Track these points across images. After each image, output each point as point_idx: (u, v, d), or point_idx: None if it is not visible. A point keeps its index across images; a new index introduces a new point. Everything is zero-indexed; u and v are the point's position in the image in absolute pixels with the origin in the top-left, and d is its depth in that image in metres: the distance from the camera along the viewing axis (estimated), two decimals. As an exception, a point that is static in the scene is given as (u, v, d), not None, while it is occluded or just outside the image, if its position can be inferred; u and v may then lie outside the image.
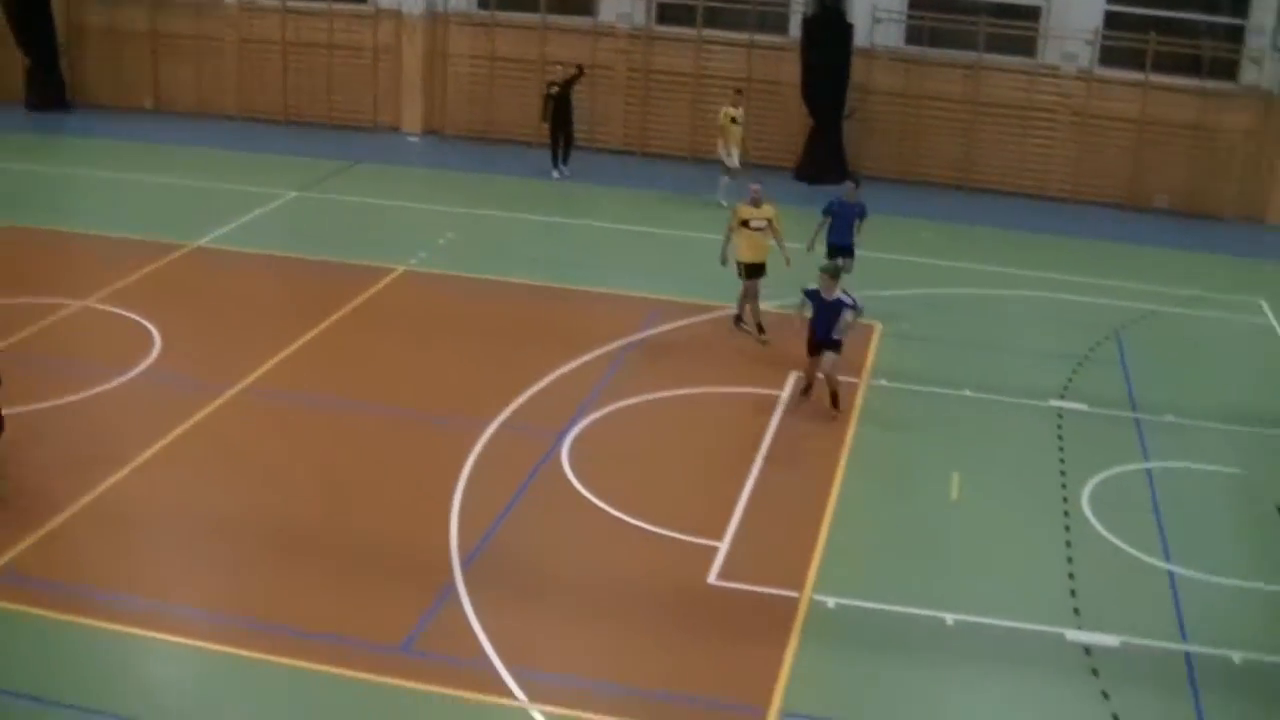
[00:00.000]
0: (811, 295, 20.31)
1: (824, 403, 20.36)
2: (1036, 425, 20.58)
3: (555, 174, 33.05)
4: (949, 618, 15.41)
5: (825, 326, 20.22)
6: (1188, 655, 15.08)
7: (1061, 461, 19.29)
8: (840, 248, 24.07)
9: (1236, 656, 15.11)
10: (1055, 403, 21.27)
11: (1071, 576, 16.41)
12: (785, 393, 20.93)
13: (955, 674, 14.57)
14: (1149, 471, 19.29)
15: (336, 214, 29.46)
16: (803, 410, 20.36)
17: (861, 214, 24.27)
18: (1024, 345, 23.48)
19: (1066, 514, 17.86)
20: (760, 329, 22.99)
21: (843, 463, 18.82)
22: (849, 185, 24.62)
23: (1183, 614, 15.84)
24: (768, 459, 18.86)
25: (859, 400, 20.88)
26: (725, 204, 29.58)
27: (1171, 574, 16.68)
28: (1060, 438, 20.09)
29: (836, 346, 20.22)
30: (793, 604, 15.50)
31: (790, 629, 15.05)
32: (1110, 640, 15.19)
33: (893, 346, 23.12)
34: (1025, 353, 23.05)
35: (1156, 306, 25.99)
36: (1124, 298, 26.15)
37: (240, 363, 20.56)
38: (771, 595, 15.67)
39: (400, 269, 25.38)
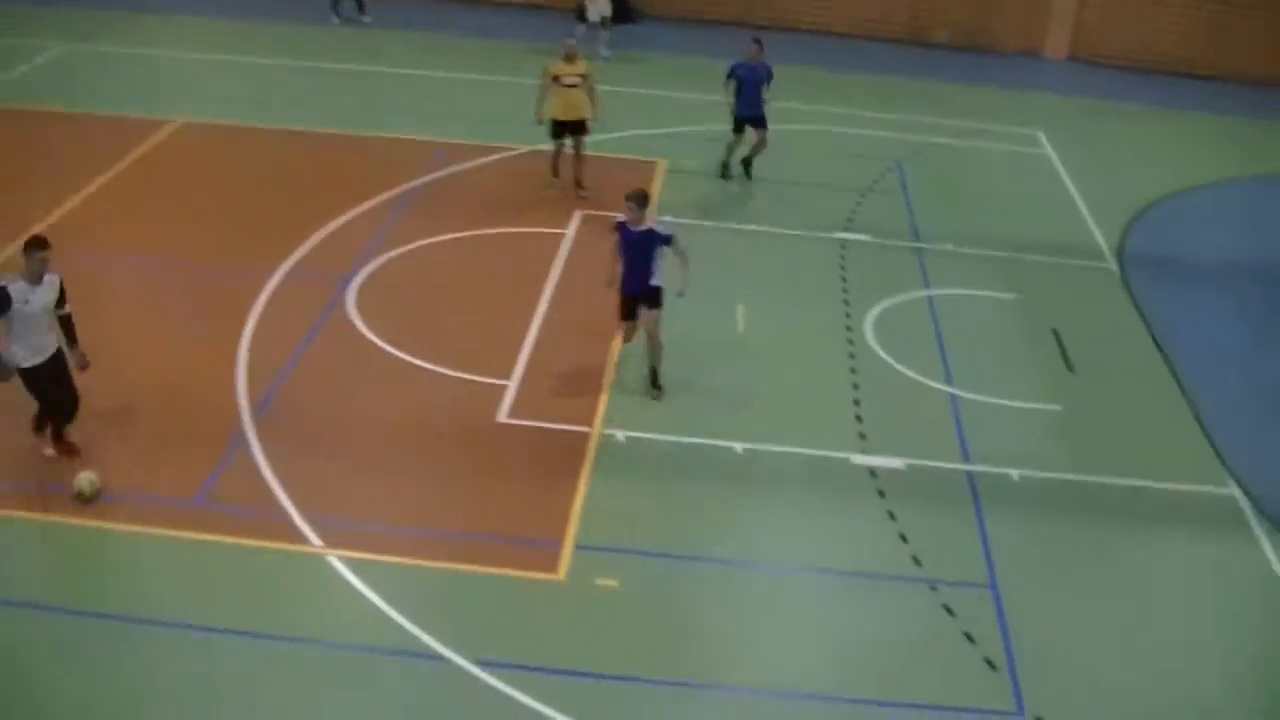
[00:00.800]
0: (620, 230, 16.33)
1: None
2: (821, 257, 20.85)
3: (335, 20, 32.02)
4: (738, 446, 15.65)
5: (637, 273, 16.32)
6: (969, 474, 15.58)
7: (845, 292, 19.61)
8: (750, 118, 22.94)
9: (1015, 474, 15.66)
10: (839, 234, 21.56)
11: (857, 403, 16.78)
12: (570, 231, 20.83)
13: (745, 501, 14.83)
14: (930, 299, 19.71)
15: (108, 66, 28.29)
16: (586, 248, 20.29)
17: (769, 77, 22.86)
18: (808, 179, 23.70)
19: (851, 342, 18.20)
20: (580, 184, 22.13)
21: (628, 300, 18.84)
22: (752, 46, 22.96)
23: (964, 435, 16.32)
24: (553, 298, 18.82)
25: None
26: (606, 55, 29.33)
27: (953, 397, 17.15)
28: (844, 268, 20.41)
29: (655, 298, 16.57)
30: (583, 439, 15.60)
31: (582, 463, 15.16)
32: (895, 463, 15.60)
33: (677, 184, 23.11)
34: (810, 187, 23.28)
35: (938, 139, 26.41)
36: (907, 131, 26.51)
37: (17, 218, 19.73)
38: (562, 431, 15.73)
39: (180, 121, 24.55)
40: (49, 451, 14.55)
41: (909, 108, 28.13)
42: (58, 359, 14.10)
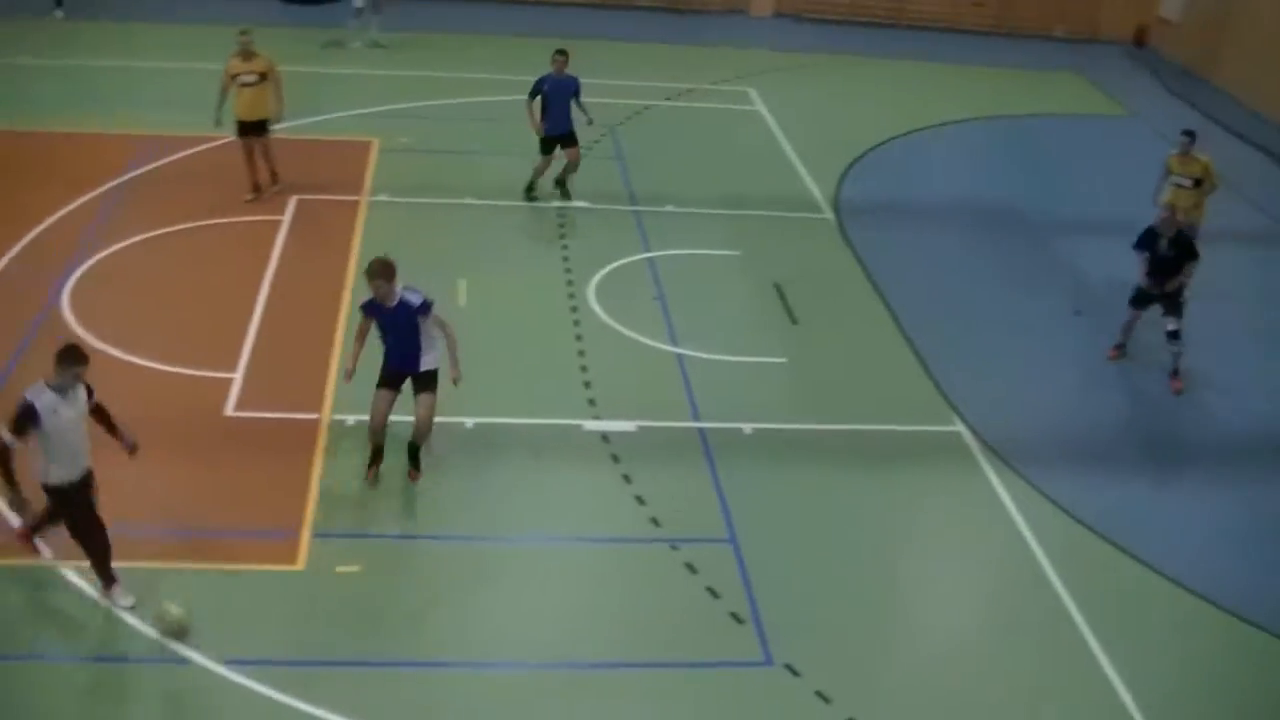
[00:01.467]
0: (372, 310, 13.98)
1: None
2: (540, 225, 20.76)
3: (59, 12, 30.52)
4: (468, 421, 15.45)
5: (403, 351, 14.04)
6: (701, 432, 15.67)
7: (566, 260, 19.54)
8: (560, 136, 21.19)
9: (747, 428, 15.83)
10: (557, 203, 21.51)
11: (584, 369, 16.73)
12: (286, 217, 20.36)
13: (480, 475, 14.61)
14: (651, 261, 19.76)
15: None
16: (304, 234, 19.87)
17: (577, 90, 21.13)
18: (522, 149, 23.51)
19: (575, 310, 18.13)
20: (257, 188, 20.88)
21: (349, 283, 18.36)
22: (558, 58, 20.99)
23: (693, 393, 16.44)
24: (274, 286, 18.26)
25: (361, 219, 20.47)
26: (373, 38, 28.80)
27: (679, 356, 17.24)
28: (563, 236, 20.37)
29: (429, 383, 14.21)
30: (313, 426, 15.21)
31: (314, 451, 14.78)
32: (627, 426, 15.61)
33: (390, 162, 22.68)
34: (524, 155, 23.13)
35: (650, 101, 26.56)
36: (618, 95, 26.51)
37: None
38: (291, 420, 15.32)
39: None
40: (125, 601, 12.52)
41: (620, 72, 28.12)
42: (89, 479, 12.24)
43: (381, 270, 13.69)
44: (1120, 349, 18.43)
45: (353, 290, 18.09)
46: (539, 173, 21.52)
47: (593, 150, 23.53)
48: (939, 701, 12.19)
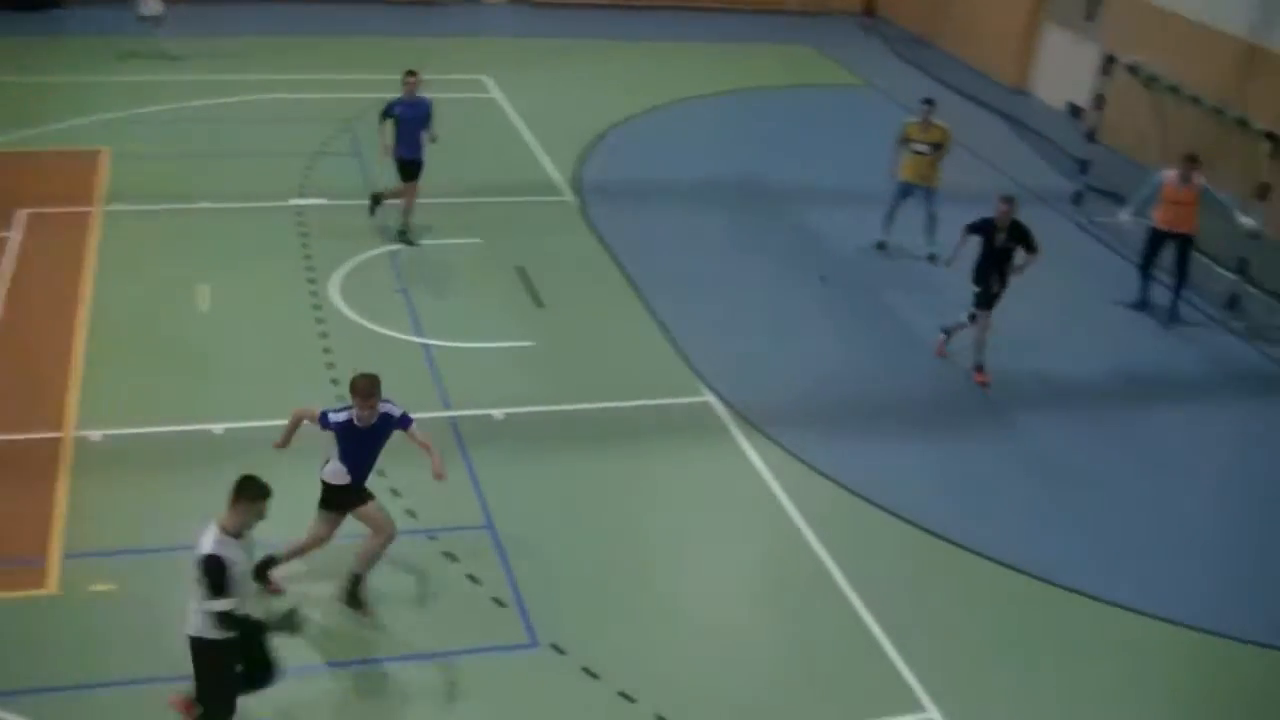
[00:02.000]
0: (337, 427, 12.39)
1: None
2: (278, 226, 20.42)
3: None
4: (218, 428, 15.19)
5: (364, 466, 12.64)
6: (452, 420, 15.66)
7: (307, 258, 19.30)
8: (409, 162, 20.00)
9: (498, 413, 15.88)
10: (295, 201, 21.22)
11: (331, 366, 16.53)
12: (13, 234, 19.60)
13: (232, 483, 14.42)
14: (393, 253, 19.68)
15: None
16: (35, 248, 19.21)
17: (429, 115, 20.06)
18: (257, 149, 23.20)
19: (318, 308, 17.93)
20: None
21: (87, 295, 17.87)
22: (409, 78, 19.95)
23: (442, 383, 16.42)
24: (7, 302, 17.68)
25: (95, 230, 19.88)
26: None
27: (426, 347, 17.19)
28: (303, 234, 20.10)
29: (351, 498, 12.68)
30: (56, 445, 14.78)
31: (58, 471, 14.32)
32: (378, 420, 15.56)
33: (124, 170, 22.07)
34: (259, 156, 22.79)
35: (386, 94, 26.21)
36: (354, 90, 26.24)
37: None
38: (32, 440, 14.84)
39: None
40: None
41: (354, 67, 27.88)
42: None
43: (368, 388, 12.22)
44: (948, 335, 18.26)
45: (90, 301, 17.66)
46: (406, 212, 20.21)
47: (329, 146, 23.31)
48: (707, 669, 12.43)
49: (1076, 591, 13.82)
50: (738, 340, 18.21)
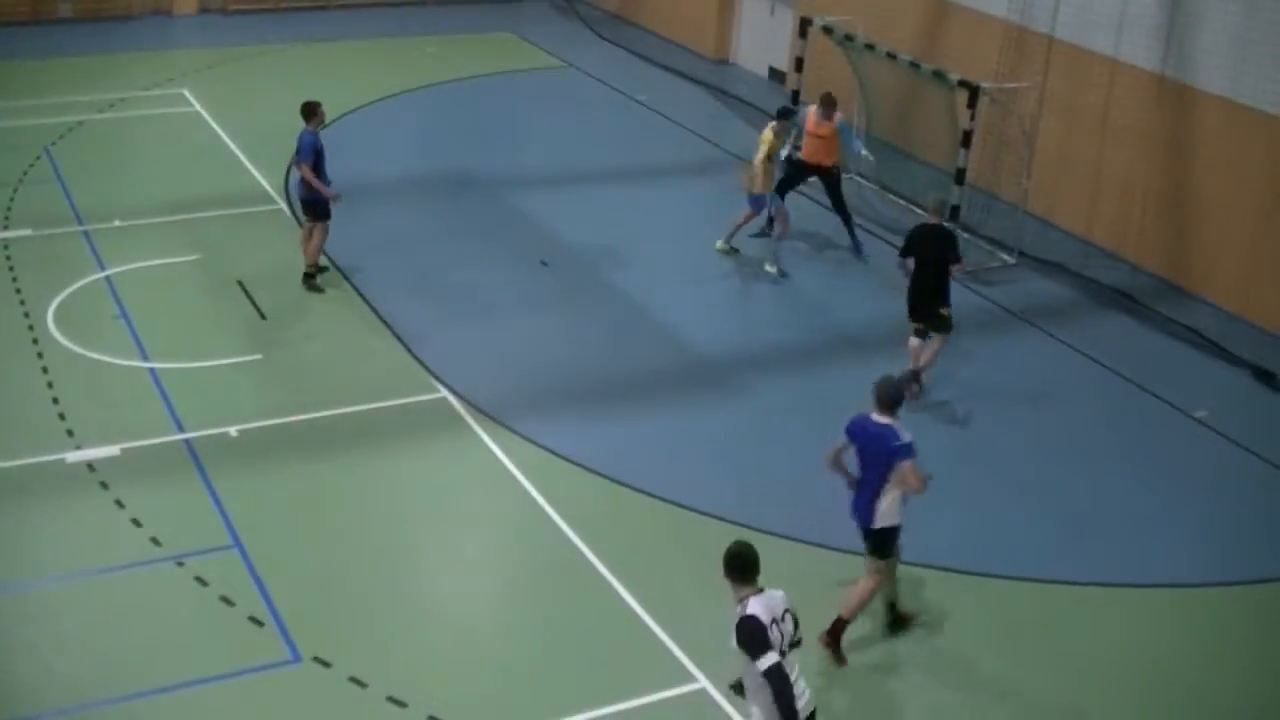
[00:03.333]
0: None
1: None
2: (-17, 261, 19.82)
3: None
4: (-60, 474, 14.73)
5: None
6: (187, 442, 15.38)
7: (18, 291, 18.60)
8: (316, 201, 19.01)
9: (233, 430, 15.66)
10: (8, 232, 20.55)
11: (56, 400, 16.08)
12: None
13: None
14: (109, 279, 19.12)
15: None
16: None
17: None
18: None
19: (36, 341, 17.33)
20: None
21: None
22: (320, 110, 19.12)
23: (173, 405, 16.08)
24: None
25: None
26: None
27: (152, 370, 16.82)
28: (11, 268, 19.38)
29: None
30: None
31: None
32: (110, 450, 15.12)
33: None
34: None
35: (83, 116, 25.54)
36: (46, 115, 25.38)
37: None
38: None
39: None
40: None
41: (46, 90, 26.95)
42: None
43: None
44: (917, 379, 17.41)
45: None
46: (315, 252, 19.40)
47: (28, 175, 22.53)
48: (474, 664, 12.56)
49: (822, 546, 14.27)
50: (467, 332, 18.27)
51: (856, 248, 21.51)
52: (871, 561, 12.68)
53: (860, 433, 12.43)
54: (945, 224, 17.35)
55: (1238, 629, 13.81)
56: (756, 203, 20.51)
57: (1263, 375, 18.41)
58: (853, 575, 13.08)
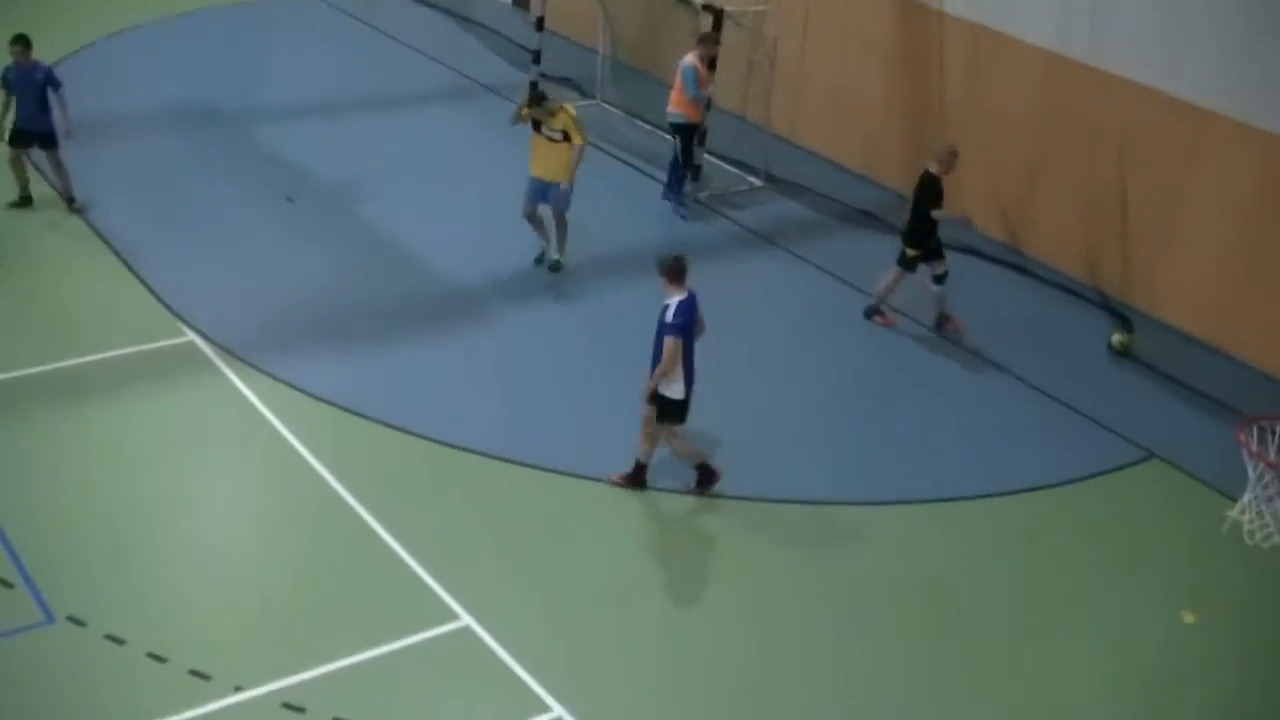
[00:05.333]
0: None
1: None
2: None
3: None
4: None
5: None
6: (-80, 400, 14.83)
7: None
8: (31, 134, 18.60)
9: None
10: None
11: None
12: None
13: None
14: None
15: None
16: None
17: (53, 83, 18.44)
18: None
19: None
20: None
21: None
22: (15, 46, 18.16)
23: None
24: None
25: None
26: None
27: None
28: None
29: None
30: None
31: None
32: None
33: None
34: None
35: None
36: None
37: None
38: None
39: None
40: None
41: None
42: None
43: None
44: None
45: None
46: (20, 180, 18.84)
47: None
48: (235, 613, 12.35)
49: (576, 475, 14.49)
50: (212, 272, 17.82)
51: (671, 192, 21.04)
52: (657, 425, 13.97)
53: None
54: (931, 171, 17.50)
55: (986, 540, 14.36)
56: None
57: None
58: (611, 501, 13.26)
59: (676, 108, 20.37)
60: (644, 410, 13.99)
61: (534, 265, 18.63)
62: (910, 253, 17.68)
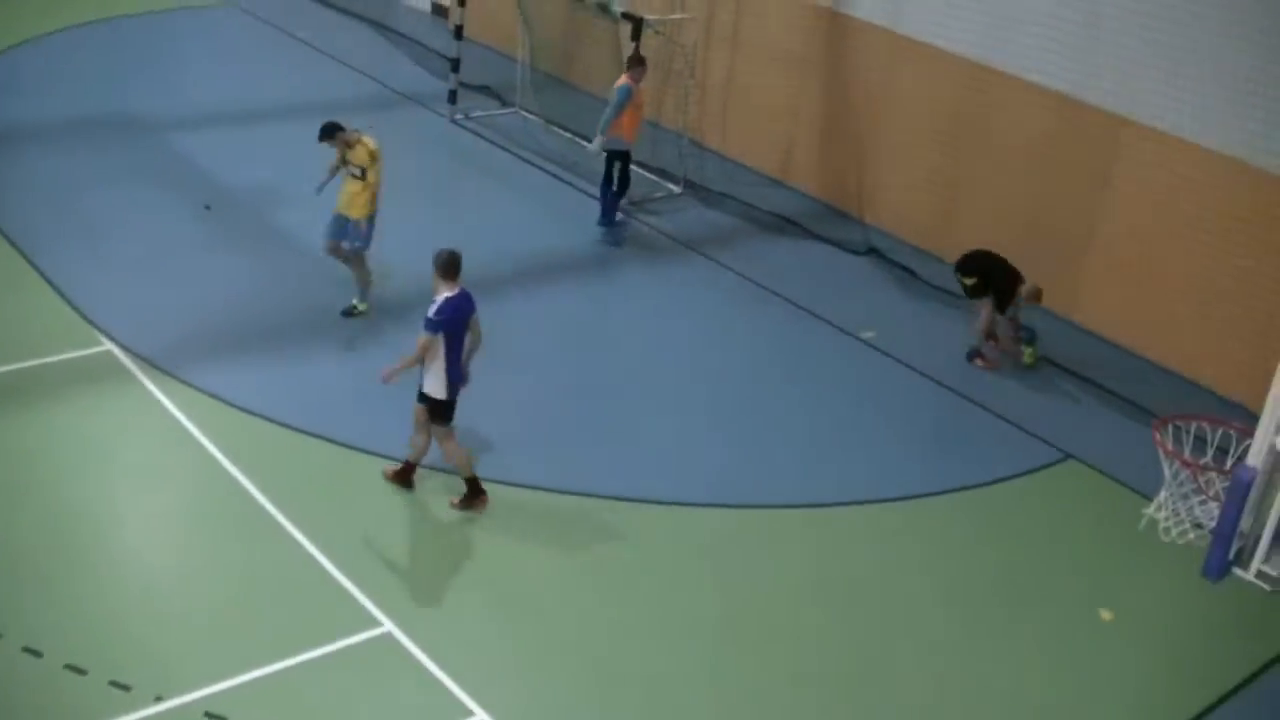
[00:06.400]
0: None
1: None
2: None
3: None
4: None
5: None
6: None
7: None
8: None
9: (-121, 396, 14.88)
10: None
11: None
12: None
13: None
14: None
15: None
16: None
17: None
18: None
19: None
20: None
21: None
22: None
23: None
24: None
25: None
26: None
27: None
28: None
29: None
30: None
31: None
32: None
33: None
34: None
35: None
36: None
37: None
38: None
39: None
40: None
41: None
42: None
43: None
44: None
45: None
46: None
47: None
48: (155, 625, 12.20)
49: (502, 482, 14.45)
50: (130, 281, 17.64)
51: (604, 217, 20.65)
52: (430, 426, 13.82)
53: None
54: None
55: (905, 543, 14.48)
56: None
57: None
58: (527, 505, 13.27)
59: (614, 132, 20.09)
60: (416, 409, 13.81)
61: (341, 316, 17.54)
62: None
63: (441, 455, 14.03)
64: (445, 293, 13.32)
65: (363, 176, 16.81)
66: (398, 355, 15.34)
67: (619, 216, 20.60)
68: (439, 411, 13.62)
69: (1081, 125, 18.38)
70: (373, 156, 16.77)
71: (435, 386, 13.44)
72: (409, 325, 17.15)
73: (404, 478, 14.19)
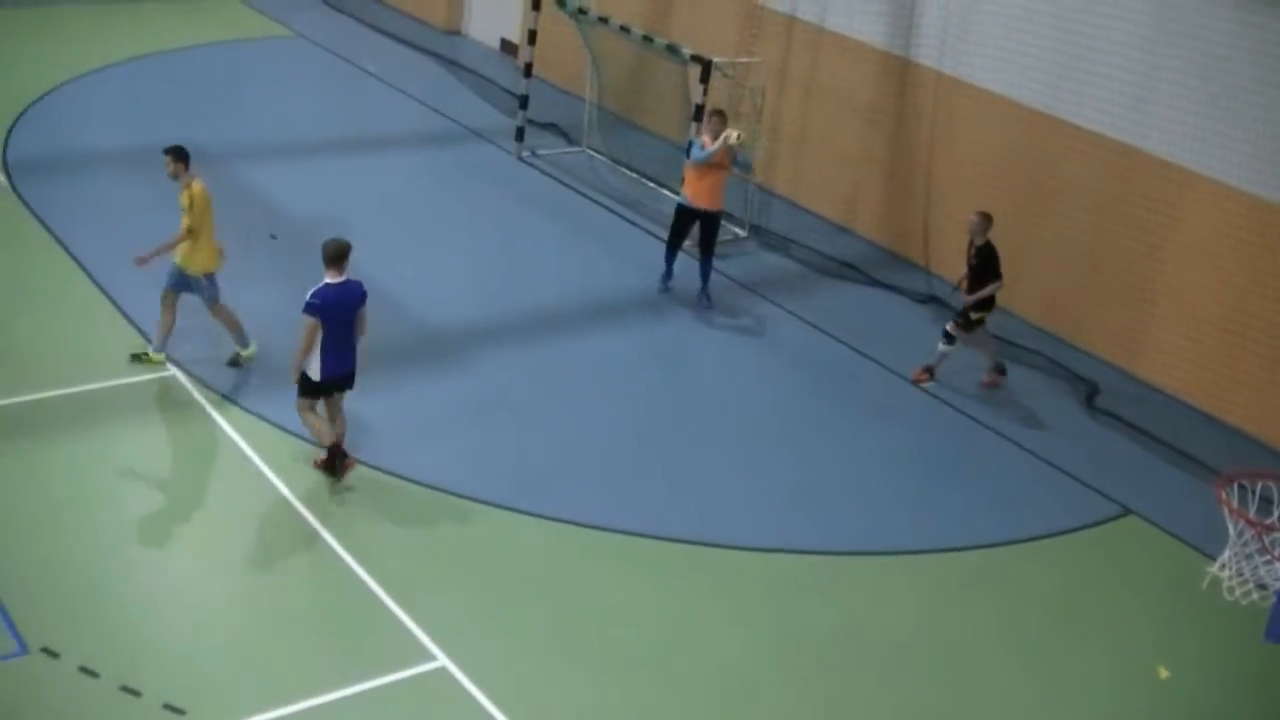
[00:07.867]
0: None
1: None
2: None
3: None
4: None
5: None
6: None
7: None
8: None
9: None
10: None
11: None
12: None
13: None
14: None
15: None
16: None
17: None
18: None
19: None
20: None
21: None
22: None
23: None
24: None
25: None
26: None
27: None
28: None
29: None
30: None
31: None
32: None
33: None
34: None
35: None
36: None
37: None
38: None
39: None
40: None
41: None
42: None
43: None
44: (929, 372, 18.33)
45: None
46: None
47: None
48: (211, 648, 12.23)
49: (540, 516, 14.54)
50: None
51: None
52: (298, 400, 14.53)
53: None
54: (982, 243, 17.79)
55: (964, 594, 14.37)
56: None
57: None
58: (588, 543, 13.23)
59: (697, 200, 19.33)
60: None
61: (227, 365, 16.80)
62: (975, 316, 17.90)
63: (302, 423, 14.59)
64: (327, 279, 14.06)
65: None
66: (439, 387, 15.47)
67: (705, 302, 19.75)
68: (309, 389, 14.32)
69: (1144, 174, 18.27)
70: (191, 200, 15.96)
71: (312, 367, 14.13)
72: (468, 362, 17.34)
73: (329, 464, 14.52)
